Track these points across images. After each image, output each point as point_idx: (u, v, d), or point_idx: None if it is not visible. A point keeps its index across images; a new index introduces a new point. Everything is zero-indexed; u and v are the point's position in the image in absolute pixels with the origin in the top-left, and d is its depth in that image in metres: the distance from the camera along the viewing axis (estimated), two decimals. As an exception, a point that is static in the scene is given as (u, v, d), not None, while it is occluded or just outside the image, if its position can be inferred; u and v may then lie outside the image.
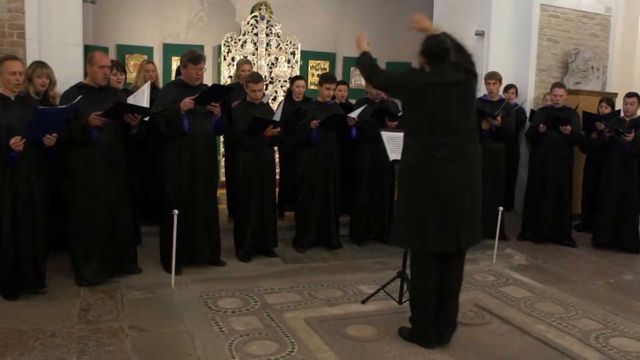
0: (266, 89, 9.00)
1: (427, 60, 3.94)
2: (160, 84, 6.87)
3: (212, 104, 5.42)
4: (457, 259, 4.07)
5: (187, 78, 5.46)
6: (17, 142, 4.37)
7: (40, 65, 5.45)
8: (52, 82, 5.54)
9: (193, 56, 5.39)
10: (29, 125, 4.38)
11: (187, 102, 5.24)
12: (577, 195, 7.80)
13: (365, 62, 4.32)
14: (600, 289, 5.63)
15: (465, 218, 3.92)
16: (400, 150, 4.47)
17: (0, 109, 4.52)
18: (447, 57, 3.88)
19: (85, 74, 5.20)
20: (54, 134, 4.55)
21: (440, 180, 3.85)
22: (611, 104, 7.85)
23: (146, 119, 5.12)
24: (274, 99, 9.33)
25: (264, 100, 6.25)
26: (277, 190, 6.63)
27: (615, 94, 8.36)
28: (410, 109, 4.06)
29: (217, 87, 5.67)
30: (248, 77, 6.06)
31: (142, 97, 4.97)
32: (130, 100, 5.03)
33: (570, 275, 5.99)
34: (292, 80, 7.58)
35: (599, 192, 7.20)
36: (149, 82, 5.45)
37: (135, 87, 6.44)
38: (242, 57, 9.05)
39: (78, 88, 5.01)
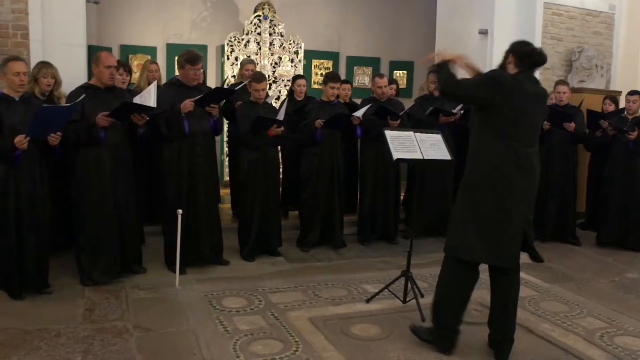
0: (269, 88, 9.00)
1: (519, 62, 3.79)
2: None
3: (212, 105, 5.42)
4: (515, 270, 3.95)
5: (185, 78, 5.45)
6: (21, 141, 4.39)
7: (45, 65, 5.46)
8: (57, 83, 5.55)
9: (190, 57, 5.38)
10: (33, 123, 4.39)
11: (188, 104, 5.24)
12: (582, 193, 7.79)
13: (449, 74, 4.02)
14: (605, 287, 5.62)
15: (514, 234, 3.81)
16: (404, 148, 4.46)
17: (5, 110, 4.54)
18: (536, 69, 3.87)
19: (89, 75, 5.21)
20: (58, 133, 4.56)
21: (514, 190, 3.74)
22: (615, 101, 7.84)
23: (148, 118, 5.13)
24: (278, 98, 9.32)
25: (269, 100, 6.25)
26: (280, 189, 6.62)
27: (619, 92, 8.35)
28: (496, 113, 3.78)
29: (218, 90, 5.66)
30: (251, 77, 6.06)
31: (148, 97, 4.98)
32: (137, 100, 5.04)
33: (575, 274, 5.99)
34: (293, 79, 7.60)
35: (603, 190, 7.20)
36: (155, 82, 5.46)
37: (139, 87, 6.45)
38: (245, 56, 9.06)
39: (84, 88, 5.03)
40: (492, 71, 3.94)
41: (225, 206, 7.49)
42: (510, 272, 3.92)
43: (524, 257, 6.43)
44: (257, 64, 8.87)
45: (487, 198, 3.76)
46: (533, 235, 4.10)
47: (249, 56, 9.15)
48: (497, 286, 3.95)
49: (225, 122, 7.13)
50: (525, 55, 3.80)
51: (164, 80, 7.02)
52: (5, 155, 4.47)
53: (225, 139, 8.63)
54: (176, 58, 5.57)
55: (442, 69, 3.99)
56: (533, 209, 3.93)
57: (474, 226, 3.79)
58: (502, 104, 3.70)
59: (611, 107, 7.68)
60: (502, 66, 3.90)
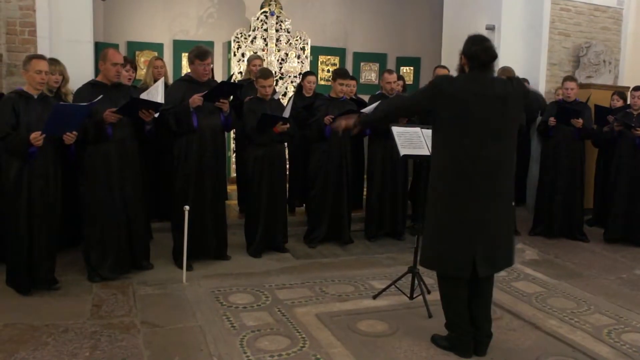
0: (276, 84, 9.00)
1: (470, 63, 3.72)
2: (170, 80, 6.89)
3: (221, 100, 5.43)
4: (486, 278, 3.89)
5: (195, 74, 5.48)
6: (37, 137, 4.41)
7: (53, 62, 5.48)
8: (65, 79, 5.58)
9: (199, 52, 5.42)
10: (48, 120, 4.42)
11: (196, 99, 5.26)
12: (589, 189, 7.76)
13: (369, 117, 4.19)
14: (613, 284, 5.60)
15: (487, 241, 3.75)
16: (411, 144, 4.45)
17: (23, 107, 4.58)
18: (490, 66, 3.73)
19: (96, 71, 5.22)
20: (74, 132, 4.58)
21: (474, 197, 3.68)
22: (623, 97, 7.79)
23: (156, 115, 5.14)
24: (284, 94, 9.32)
25: (275, 97, 6.25)
26: (287, 186, 6.62)
27: (628, 88, 8.27)
28: (442, 123, 3.77)
29: (225, 84, 5.67)
30: (258, 73, 6.07)
31: (156, 94, 5.00)
32: (144, 96, 5.06)
33: (582, 271, 5.97)
34: (303, 75, 7.59)
35: (610, 186, 7.17)
36: (162, 79, 5.48)
37: (145, 84, 6.47)
38: (252, 52, 9.07)
39: (91, 85, 5.05)
40: (434, 79, 3.95)
41: (232, 202, 7.49)
42: (484, 280, 3.89)
43: (531, 254, 6.44)
44: (264, 60, 8.87)
45: (442, 200, 3.78)
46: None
47: (256, 52, 9.15)
48: (472, 285, 3.89)
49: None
50: (472, 56, 3.71)
51: (169, 77, 7.04)
52: (21, 151, 4.50)
53: (232, 135, 8.63)
54: (186, 55, 5.61)
55: (369, 119, 4.20)
56: (499, 214, 3.77)
57: (433, 231, 3.84)
58: (446, 109, 3.69)
59: (619, 103, 7.64)
60: (460, 68, 3.82)
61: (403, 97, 3.88)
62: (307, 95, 7.17)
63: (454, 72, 3.97)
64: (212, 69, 5.98)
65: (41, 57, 4.77)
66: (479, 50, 3.69)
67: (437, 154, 3.84)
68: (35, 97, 4.67)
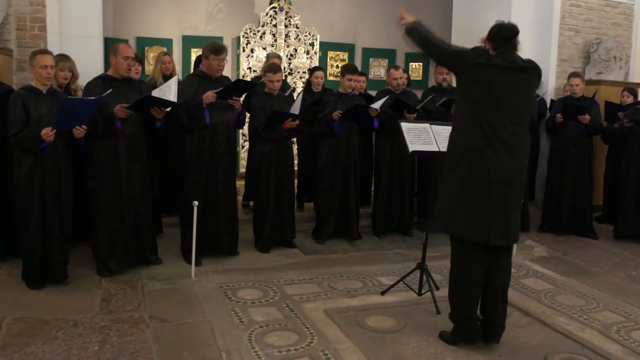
0: (285, 79, 8.99)
1: (494, 44, 3.81)
2: (180, 76, 6.90)
3: (234, 98, 5.44)
4: (504, 254, 3.92)
5: (209, 69, 5.48)
6: (48, 133, 4.43)
7: (63, 58, 5.50)
8: (74, 76, 5.60)
9: (214, 47, 5.43)
10: (59, 115, 4.44)
11: (210, 95, 5.27)
12: (599, 186, 7.73)
13: (418, 31, 4.08)
14: (622, 281, 5.58)
15: (503, 212, 3.80)
16: (420, 140, 4.44)
17: (33, 102, 4.60)
18: (513, 42, 3.81)
19: (106, 66, 5.23)
20: (84, 126, 4.60)
21: (492, 168, 3.73)
22: (634, 93, 7.75)
23: (167, 109, 5.15)
24: (293, 90, 9.31)
25: (286, 93, 6.24)
26: (295, 182, 6.62)
27: (638, 84, 8.26)
28: (468, 89, 3.88)
29: (240, 83, 5.68)
30: (266, 68, 6.07)
31: (168, 91, 5.01)
32: (156, 93, 5.07)
33: (592, 268, 5.95)
34: (311, 71, 7.58)
35: (620, 183, 7.14)
36: (176, 77, 5.49)
37: (153, 79, 6.49)
38: (261, 48, 9.08)
39: (102, 79, 5.07)
40: (473, 48, 3.97)
41: (238, 197, 7.48)
42: (501, 258, 3.90)
43: (540, 251, 6.42)
44: (281, 59, 8.85)
45: (458, 168, 3.82)
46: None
47: (265, 48, 9.16)
48: (488, 272, 3.90)
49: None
50: (494, 34, 3.81)
51: (178, 72, 7.04)
52: (32, 147, 4.52)
53: (241, 131, 8.64)
54: (195, 51, 5.59)
55: (415, 32, 4.10)
56: (520, 192, 3.90)
57: (445, 195, 3.88)
58: (472, 76, 3.78)
59: (629, 99, 7.60)
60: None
61: (448, 45, 3.95)
62: (315, 90, 7.16)
63: None
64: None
65: (45, 51, 4.78)
66: (499, 27, 3.83)
67: (461, 117, 3.90)
68: (44, 92, 4.69)
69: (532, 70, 3.85)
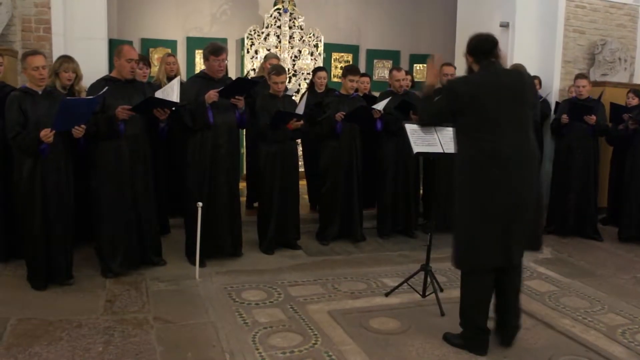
0: (289, 81, 9.00)
1: (475, 59, 3.81)
2: (184, 77, 6.91)
3: (237, 97, 5.45)
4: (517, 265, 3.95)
5: (210, 71, 5.50)
6: (47, 134, 4.44)
7: (66, 59, 5.51)
8: (78, 77, 5.60)
9: (214, 48, 5.44)
10: (57, 116, 4.44)
11: (212, 95, 5.28)
12: (603, 188, 7.71)
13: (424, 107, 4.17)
14: (627, 283, 5.56)
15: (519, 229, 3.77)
16: (424, 142, 4.43)
17: (29, 104, 4.61)
18: (495, 52, 3.78)
19: (110, 68, 5.25)
20: (83, 125, 4.61)
21: (500, 186, 3.69)
22: (639, 95, 7.72)
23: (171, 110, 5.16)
24: (297, 91, 9.32)
25: (289, 94, 6.24)
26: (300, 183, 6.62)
27: (643, 86, 8.24)
28: (466, 113, 3.79)
29: (241, 81, 5.69)
30: (271, 69, 6.07)
31: (171, 92, 5.02)
32: (159, 94, 5.08)
33: (596, 270, 5.93)
34: (314, 71, 7.57)
35: (624, 185, 7.12)
36: (178, 78, 5.51)
37: (157, 80, 6.50)
38: (265, 50, 9.08)
39: (105, 81, 5.08)
40: (447, 84, 4.00)
41: (241, 199, 7.49)
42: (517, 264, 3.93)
43: (544, 253, 6.39)
44: (280, 59, 8.86)
45: (472, 194, 3.76)
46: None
47: (269, 50, 9.16)
48: (501, 276, 3.90)
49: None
50: (475, 49, 3.81)
51: (182, 74, 7.05)
52: (32, 148, 4.53)
53: (244, 131, 8.63)
54: (199, 52, 5.60)
55: (427, 100, 4.11)
56: (527, 201, 3.80)
57: (462, 227, 3.81)
58: (465, 109, 3.72)
59: (634, 101, 7.56)
60: (469, 69, 3.90)
61: (432, 106, 3.98)
62: (319, 91, 7.16)
63: (459, 71, 4.02)
64: (226, 66, 5.98)
65: (36, 52, 4.78)
66: (477, 41, 3.81)
67: (462, 152, 3.85)
68: (40, 92, 4.69)
69: (517, 74, 3.88)
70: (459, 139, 3.90)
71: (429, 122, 4.29)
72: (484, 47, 3.78)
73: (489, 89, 3.71)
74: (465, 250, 3.82)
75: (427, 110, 4.05)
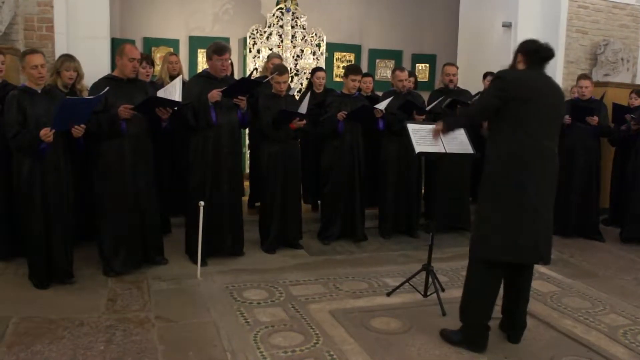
0: (291, 81, 8.99)
1: (528, 60, 3.81)
2: (186, 77, 6.91)
3: (239, 97, 5.45)
4: (530, 265, 3.99)
5: (213, 70, 5.50)
6: (47, 134, 4.43)
7: (68, 58, 5.51)
8: (80, 76, 5.60)
9: (217, 47, 5.44)
10: (57, 115, 4.44)
11: (215, 94, 5.28)
12: (606, 189, 7.70)
13: (456, 123, 4.32)
14: (629, 284, 5.55)
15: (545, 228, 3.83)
16: (426, 142, 4.43)
17: (28, 103, 4.60)
18: (546, 63, 3.83)
19: (112, 67, 5.25)
20: (82, 125, 4.61)
21: (528, 186, 3.71)
22: (642, 95, 7.72)
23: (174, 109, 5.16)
24: (299, 91, 9.32)
25: (291, 93, 6.24)
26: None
27: (646, 86, 8.23)
28: (511, 106, 3.75)
29: (245, 81, 5.69)
30: (273, 69, 6.07)
31: (173, 91, 5.02)
32: (161, 93, 5.09)
33: (598, 270, 5.93)
34: (313, 71, 7.54)
35: (627, 185, 7.11)
36: (180, 77, 5.51)
37: (160, 79, 6.50)
38: (268, 49, 9.08)
39: (107, 80, 5.08)
40: (497, 74, 3.91)
41: (244, 198, 7.49)
42: (529, 265, 3.94)
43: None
44: (283, 59, 8.86)
45: (508, 187, 3.73)
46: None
47: (272, 49, 9.16)
48: (511, 276, 3.93)
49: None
50: (533, 52, 3.81)
51: (185, 73, 7.05)
52: (31, 147, 4.53)
53: (247, 131, 8.63)
54: (202, 51, 5.60)
55: (455, 124, 4.28)
56: (551, 204, 3.88)
57: (496, 219, 3.76)
58: (512, 101, 3.71)
59: (637, 102, 7.55)
60: (512, 66, 3.91)
61: (480, 102, 4.04)
62: (317, 91, 7.12)
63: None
64: (232, 64, 5.97)
65: (34, 51, 4.77)
66: (539, 46, 3.82)
67: (502, 143, 3.79)
68: (39, 91, 4.69)
69: (557, 85, 3.93)
70: (498, 130, 3.82)
71: (480, 118, 4.30)
72: (544, 54, 3.80)
73: (537, 83, 3.75)
74: (502, 239, 3.75)
75: (470, 111, 4.10)
